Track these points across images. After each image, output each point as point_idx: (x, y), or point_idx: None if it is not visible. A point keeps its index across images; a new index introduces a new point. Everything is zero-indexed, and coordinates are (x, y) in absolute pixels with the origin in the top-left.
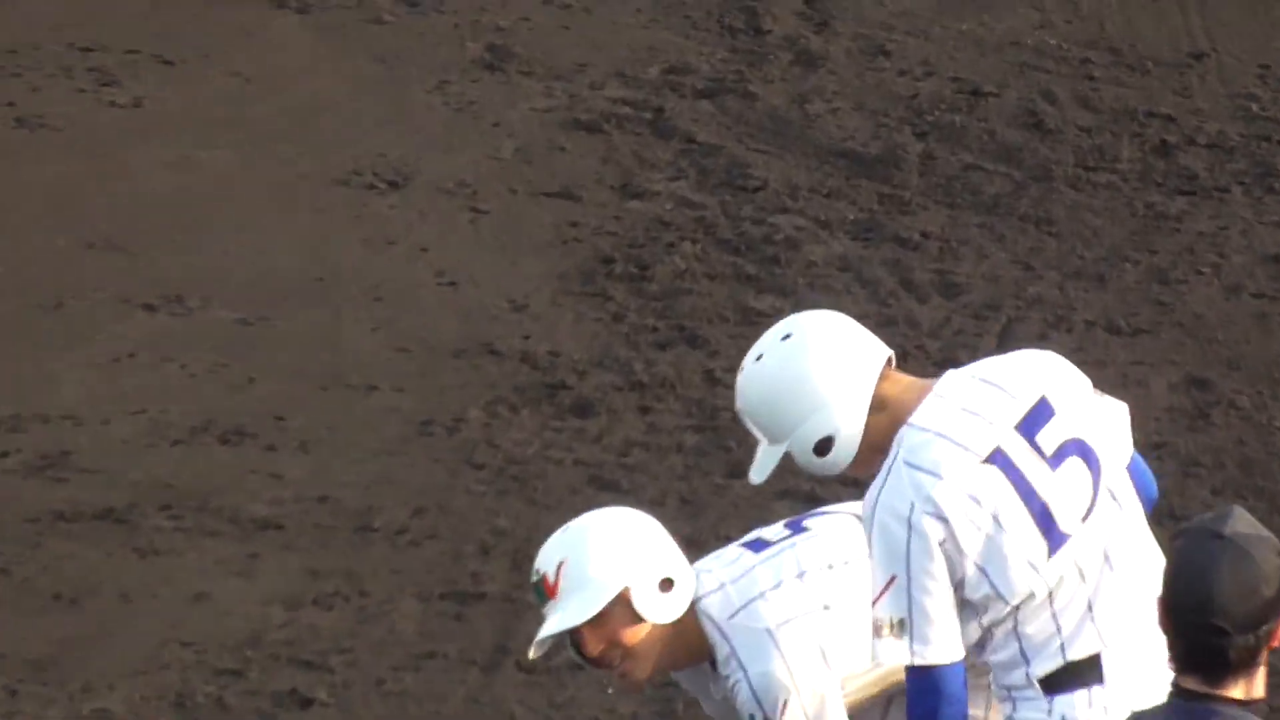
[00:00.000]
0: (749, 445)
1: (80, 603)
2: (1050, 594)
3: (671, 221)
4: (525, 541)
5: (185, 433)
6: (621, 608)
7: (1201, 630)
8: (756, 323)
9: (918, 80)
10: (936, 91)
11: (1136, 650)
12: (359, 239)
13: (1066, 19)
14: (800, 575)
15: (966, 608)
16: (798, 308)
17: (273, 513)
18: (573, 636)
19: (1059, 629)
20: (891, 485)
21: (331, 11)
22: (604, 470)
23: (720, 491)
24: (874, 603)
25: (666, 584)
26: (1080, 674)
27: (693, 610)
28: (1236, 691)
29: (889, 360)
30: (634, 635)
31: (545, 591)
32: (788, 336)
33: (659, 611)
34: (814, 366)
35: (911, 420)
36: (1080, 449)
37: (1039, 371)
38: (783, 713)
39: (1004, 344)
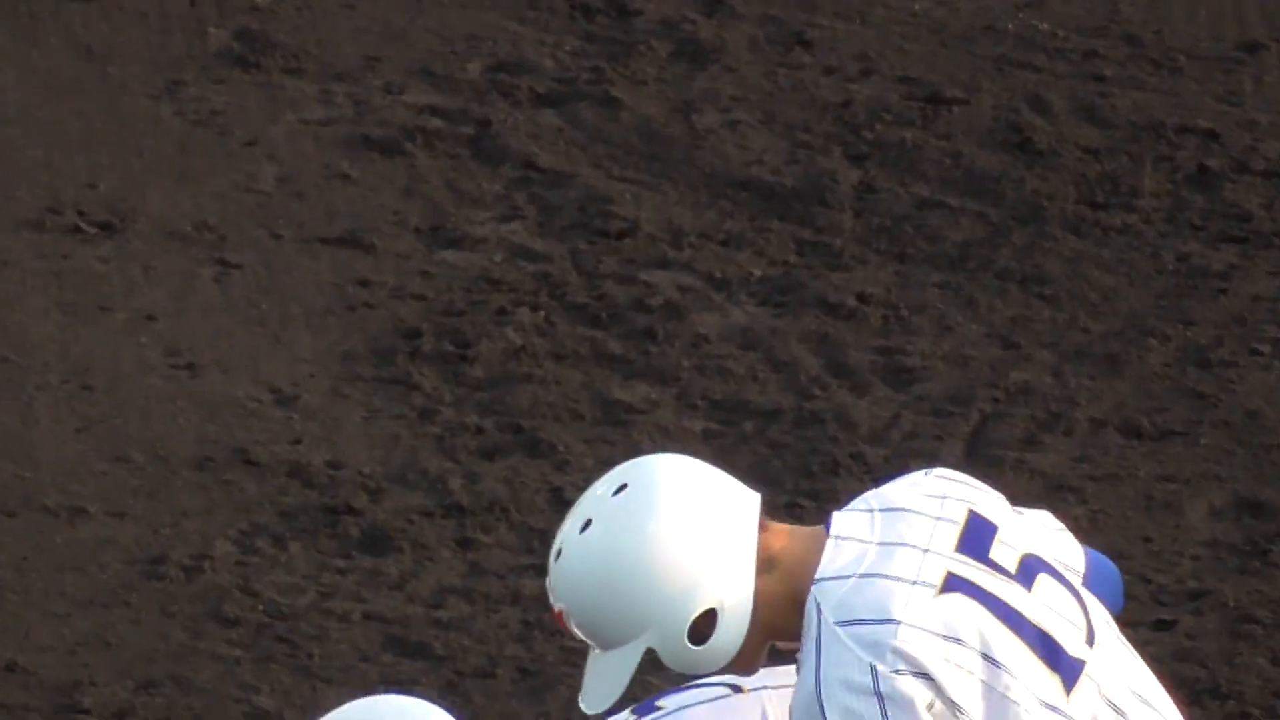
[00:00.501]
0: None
1: None
2: None
3: (503, 279)
4: None
5: None
6: None
7: None
8: (623, 421)
9: (851, 81)
10: (878, 97)
11: None
12: (57, 304)
13: None
14: None
15: None
16: (680, 400)
17: None
18: None
19: None
20: (831, 657)
21: None
22: (410, 629)
23: (572, 658)
24: None
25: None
26: None
27: None
28: None
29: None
30: None
31: None
32: (622, 489)
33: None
34: (670, 518)
35: (819, 575)
36: (1045, 567)
37: (950, 488)
38: None
39: (975, 452)
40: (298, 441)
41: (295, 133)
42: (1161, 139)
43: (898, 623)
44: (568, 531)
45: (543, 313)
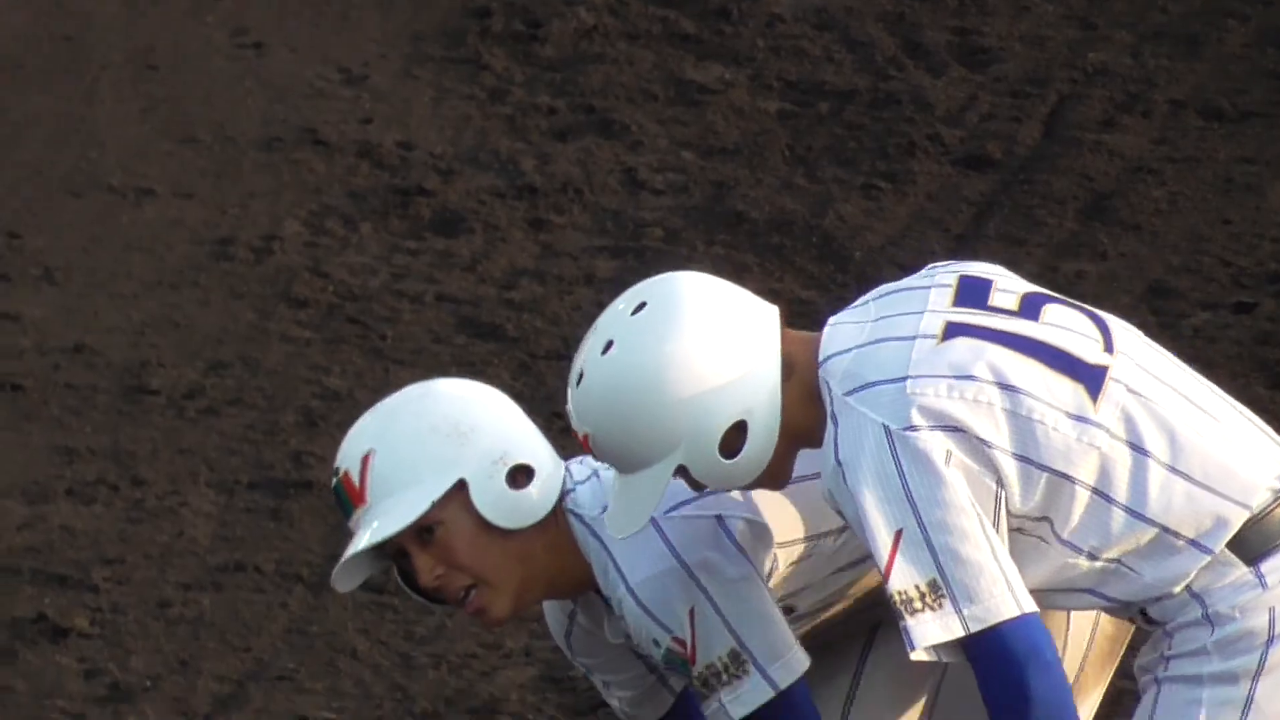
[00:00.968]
0: None
1: None
2: (1133, 443)
3: None
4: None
5: None
6: (457, 511)
7: None
8: (697, 102)
9: None
10: None
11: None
12: None
13: None
14: None
15: (1054, 543)
16: (754, 81)
17: (7, 369)
18: (398, 561)
19: (1188, 472)
20: (847, 428)
21: None
22: (481, 310)
23: None
24: (885, 580)
25: (519, 475)
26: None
27: (562, 511)
28: None
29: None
30: (480, 550)
31: (349, 496)
32: (641, 307)
33: (510, 512)
34: (693, 333)
35: (822, 356)
36: (1050, 299)
37: (939, 267)
38: (693, 626)
39: (1053, 133)
40: (368, 121)
41: None
42: None
43: (905, 377)
44: (589, 352)
45: None
